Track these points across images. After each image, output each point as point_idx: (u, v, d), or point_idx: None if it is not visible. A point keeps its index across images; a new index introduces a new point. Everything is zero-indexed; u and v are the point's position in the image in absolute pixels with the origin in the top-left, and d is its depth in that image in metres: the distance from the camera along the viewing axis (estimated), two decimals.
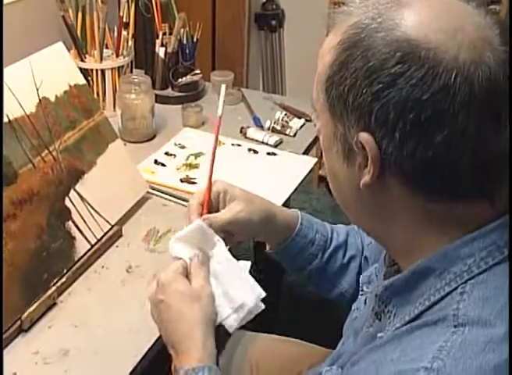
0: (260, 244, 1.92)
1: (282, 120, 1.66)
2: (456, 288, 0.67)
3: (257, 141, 1.61)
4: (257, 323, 1.69)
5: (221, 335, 1.41)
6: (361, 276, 0.94)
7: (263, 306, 0.93)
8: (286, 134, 1.64)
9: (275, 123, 1.66)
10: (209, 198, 0.99)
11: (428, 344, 0.64)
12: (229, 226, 0.99)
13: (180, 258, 0.93)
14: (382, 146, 0.66)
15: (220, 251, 0.96)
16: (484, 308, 0.65)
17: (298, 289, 2.32)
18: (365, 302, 0.89)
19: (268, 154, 1.55)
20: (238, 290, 0.93)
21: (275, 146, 1.60)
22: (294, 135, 1.64)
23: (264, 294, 0.93)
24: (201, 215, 0.98)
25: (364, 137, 0.66)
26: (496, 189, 0.69)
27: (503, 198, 0.70)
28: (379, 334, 0.74)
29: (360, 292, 0.93)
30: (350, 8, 0.70)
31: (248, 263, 0.96)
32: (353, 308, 0.93)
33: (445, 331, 0.64)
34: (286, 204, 1.37)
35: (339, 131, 0.70)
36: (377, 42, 0.65)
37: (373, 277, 0.91)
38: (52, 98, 1.21)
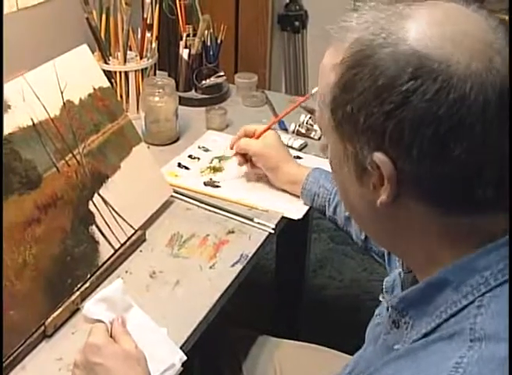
0: (281, 248, 1.92)
1: (306, 123, 1.64)
2: (473, 301, 0.65)
3: None
4: (280, 329, 1.68)
5: (243, 340, 1.40)
6: (384, 280, 0.92)
7: (181, 368, 0.96)
8: (310, 138, 1.62)
9: (299, 126, 1.64)
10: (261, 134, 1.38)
11: (444, 361, 0.62)
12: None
13: (100, 321, 0.93)
14: (398, 165, 0.64)
15: (136, 313, 0.98)
16: (501, 322, 0.63)
17: (320, 294, 2.30)
18: (387, 309, 0.87)
19: (293, 157, 1.53)
20: (164, 351, 0.95)
21: (300, 149, 1.58)
22: (319, 138, 1.62)
23: (185, 358, 0.96)
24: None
25: (379, 157, 0.65)
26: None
27: None
28: (396, 346, 0.72)
29: (382, 296, 0.91)
30: (349, 24, 0.68)
31: (165, 329, 0.99)
32: (376, 313, 0.92)
33: (460, 346, 0.62)
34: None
35: (349, 151, 0.68)
36: (384, 59, 0.62)
37: (397, 282, 0.89)
38: (76, 101, 1.21)
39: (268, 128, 1.40)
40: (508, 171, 0.64)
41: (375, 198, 0.68)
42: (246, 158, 1.41)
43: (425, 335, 0.68)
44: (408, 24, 0.64)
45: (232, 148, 1.42)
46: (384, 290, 0.89)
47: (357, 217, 0.78)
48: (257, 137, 1.39)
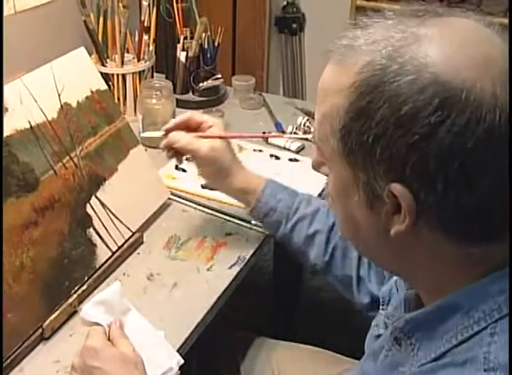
0: (279, 250, 1.92)
1: (304, 126, 1.64)
2: (485, 328, 0.63)
3: (278, 146, 1.59)
4: (278, 331, 1.68)
5: (241, 342, 1.40)
6: (381, 290, 0.91)
7: (178, 372, 0.96)
8: (308, 140, 1.62)
9: (296, 128, 1.64)
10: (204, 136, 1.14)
11: None
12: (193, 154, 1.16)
13: (97, 324, 0.93)
14: (419, 197, 0.61)
15: (134, 316, 0.97)
16: None
17: (317, 296, 2.30)
18: (385, 324, 0.84)
19: (290, 160, 1.53)
20: (162, 354, 0.96)
21: (297, 152, 1.58)
22: None
23: (182, 361, 0.96)
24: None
25: (398, 188, 0.61)
26: None
27: None
28: (402, 369, 0.70)
29: (381, 307, 0.90)
30: (355, 43, 0.63)
31: (162, 332, 0.99)
32: (373, 324, 0.89)
33: (473, 374, 0.61)
34: None
35: (360, 180, 0.64)
36: (406, 87, 0.58)
37: (394, 291, 0.88)
38: (74, 104, 1.21)
39: (220, 137, 1.16)
40: None
41: (386, 225, 0.65)
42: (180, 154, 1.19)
43: (435, 359, 0.66)
44: (427, 48, 0.60)
45: (166, 135, 1.17)
46: (381, 300, 0.88)
47: (361, 243, 0.74)
48: (201, 137, 1.15)
